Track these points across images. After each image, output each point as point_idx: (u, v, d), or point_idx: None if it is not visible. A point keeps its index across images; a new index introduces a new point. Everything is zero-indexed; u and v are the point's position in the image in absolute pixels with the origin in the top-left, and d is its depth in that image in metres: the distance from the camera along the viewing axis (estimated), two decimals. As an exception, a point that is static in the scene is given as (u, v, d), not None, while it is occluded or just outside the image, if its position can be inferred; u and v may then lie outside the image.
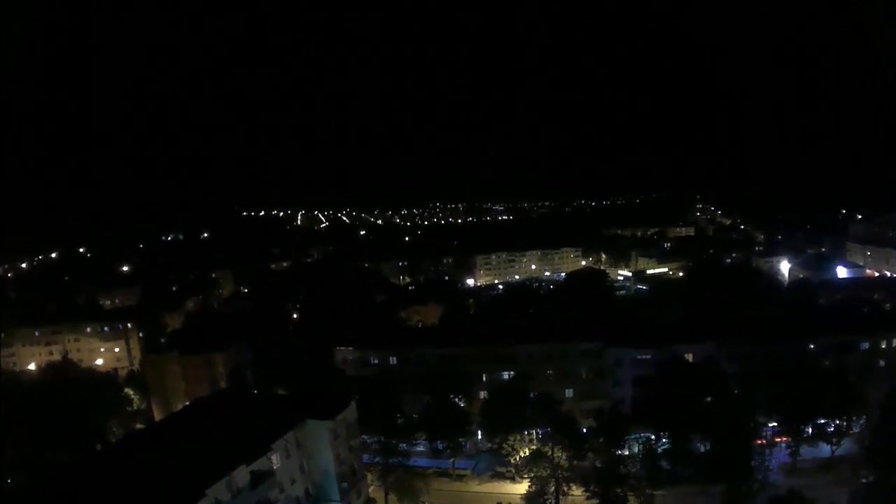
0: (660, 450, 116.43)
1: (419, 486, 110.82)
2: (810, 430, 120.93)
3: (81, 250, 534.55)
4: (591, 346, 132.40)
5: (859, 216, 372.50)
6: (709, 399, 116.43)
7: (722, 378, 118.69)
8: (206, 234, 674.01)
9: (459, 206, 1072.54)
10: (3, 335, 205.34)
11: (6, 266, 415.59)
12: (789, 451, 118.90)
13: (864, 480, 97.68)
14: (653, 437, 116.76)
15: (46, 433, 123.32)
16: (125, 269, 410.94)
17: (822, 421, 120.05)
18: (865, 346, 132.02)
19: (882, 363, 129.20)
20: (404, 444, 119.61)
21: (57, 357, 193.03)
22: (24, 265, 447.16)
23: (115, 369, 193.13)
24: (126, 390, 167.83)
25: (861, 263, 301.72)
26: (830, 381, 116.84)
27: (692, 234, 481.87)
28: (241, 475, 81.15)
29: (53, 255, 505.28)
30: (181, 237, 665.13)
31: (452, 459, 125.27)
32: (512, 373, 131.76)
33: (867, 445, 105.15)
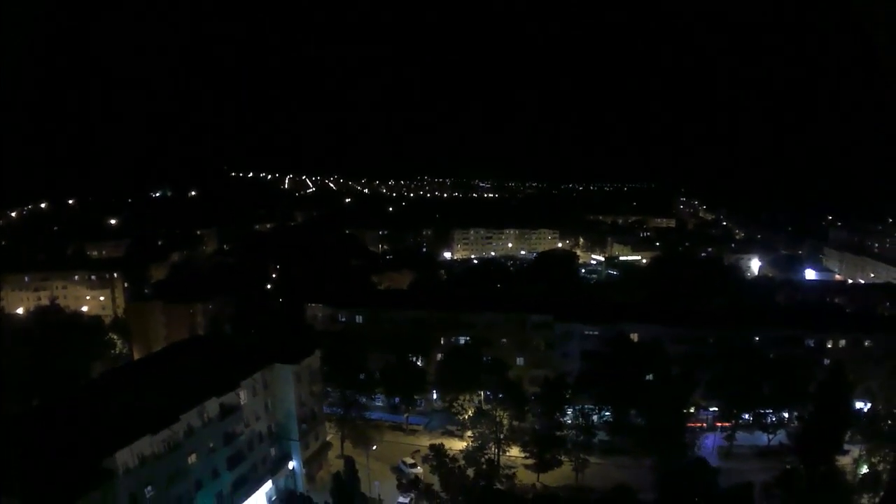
0: (598, 420, 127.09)
1: (373, 436, 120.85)
2: (750, 419, 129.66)
3: (70, 202, 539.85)
4: (543, 318, 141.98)
5: (840, 223, 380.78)
6: (649, 377, 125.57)
7: (663, 358, 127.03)
8: (193, 193, 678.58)
9: (447, 180, 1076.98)
10: None
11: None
12: (725, 435, 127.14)
13: (787, 467, 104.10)
14: (593, 407, 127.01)
15: (33, 371, 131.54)
16: (113, 222, 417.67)
17: (761, 411, 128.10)
18: (811, 343, 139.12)
19: (826, 361, 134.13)
20: (364, 398, 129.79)
21: (45, 303, 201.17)
22: (13, 214, 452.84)
23: (100, 316, 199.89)
24: (110, 335, 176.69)
25: (834, 269, 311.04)
26: (768, 372, 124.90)
27: (673, 225, 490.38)
28: (212, 407, 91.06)
29: (43, 205, 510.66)
30: (169, 194, 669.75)
31: (406, 415, 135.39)
32: (469, 338, 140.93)
33: (795, 434, 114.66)
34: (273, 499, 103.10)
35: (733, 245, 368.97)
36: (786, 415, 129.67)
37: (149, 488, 78.65)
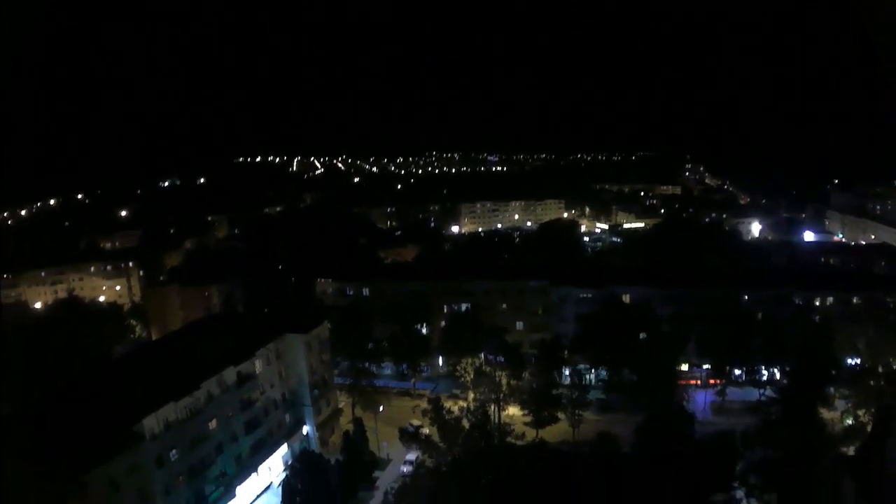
0: (594, 379, 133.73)
1: (382, 401, 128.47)
2: (743, 376, 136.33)
3: (80, 197, 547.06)
4: (540, 284, 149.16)
5: (843, 187, 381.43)
6: (641, 336, 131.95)
7: (653, 318, 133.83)
8: (202, 180, 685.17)
9: (455, 155, 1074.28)
10: (9, 276, 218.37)
11: (6, 213, 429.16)
12: (717, 391, 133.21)
13: (773, 418, 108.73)
14: (588, 367, 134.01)
15: (58, 356, 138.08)
16: (124, 213, 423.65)
17: (751, 367, 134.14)
18: (799, 301, 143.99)
19: (817, 318, 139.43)
20: (373, 366, 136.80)
21: (63, 295, 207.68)
22: (23, 212, 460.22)
23: (116, 304, 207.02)
24: (129, 321, 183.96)
25: (836, 231, 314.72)
26: (756, 330, 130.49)
27: (679, 192, 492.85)
28: (230, 375, 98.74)
29: (52, 202, 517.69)
30: (178, 183, 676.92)
31: (413, 381, 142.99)
32: (469, 305, 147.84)
33: (780, 388, 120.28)
34: (289, 462, 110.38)
35: (736, 210, 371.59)
36: (777, 371, 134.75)
37: (173, 451, 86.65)
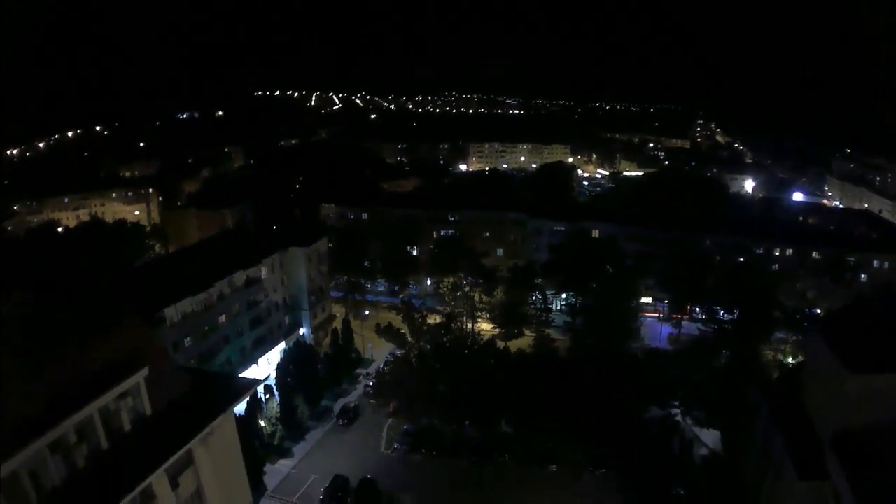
0: (562, 305, 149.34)
1: (370, 310, 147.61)
2: (702, 314, 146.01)
3: (98, 129, 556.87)
4: (518, 215, 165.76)
5: (850, 155, 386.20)
6: (607, 268, 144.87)
7: (617, 251, 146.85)
8: (220, 113, 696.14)
9: (473, 96, 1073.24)
10: (33, 203, 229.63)
11: (24, 145, 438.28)
12: (674, 324, 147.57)
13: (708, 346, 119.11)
14: (553, 292, 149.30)
15: (87, 265, 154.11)
16: (142, 144, 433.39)
17: (706, 305, 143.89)
18: (759, 251, 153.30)
19: (775, 267, 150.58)
20: (368, 283, 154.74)
21: (86, 220, 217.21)
22: (41, 144, 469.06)
23: (138, 224, 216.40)
24: (150, 240, 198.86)
25: (835, 197, 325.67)
26: (712, 271, 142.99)
27: (686, 146, 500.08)
28: (239, 278, 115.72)
29: (70, 133, 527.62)
30: (196, 115, 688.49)
31: (402, 296, 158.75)
32: (454, 232, 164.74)
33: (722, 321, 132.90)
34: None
35: (738, 167, 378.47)
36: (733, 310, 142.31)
37: (188, 339, 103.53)
